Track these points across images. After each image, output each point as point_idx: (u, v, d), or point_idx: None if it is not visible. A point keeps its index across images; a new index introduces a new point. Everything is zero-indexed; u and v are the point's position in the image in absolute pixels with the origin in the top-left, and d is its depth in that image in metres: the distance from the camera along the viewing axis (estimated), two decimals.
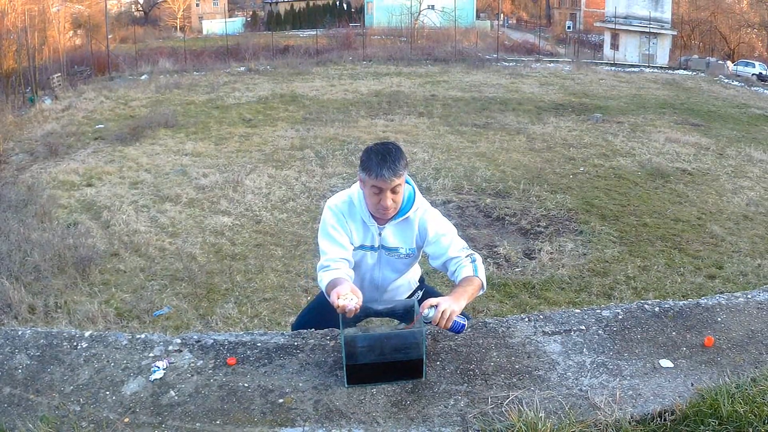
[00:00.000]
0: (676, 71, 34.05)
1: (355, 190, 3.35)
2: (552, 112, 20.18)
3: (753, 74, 33.91)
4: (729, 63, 37.65)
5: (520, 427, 2.48)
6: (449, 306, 2.85)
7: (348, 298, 2.83)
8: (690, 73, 33.36)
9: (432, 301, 2.87)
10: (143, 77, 28.08)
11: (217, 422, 2.59)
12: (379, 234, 3.34)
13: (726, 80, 31.17)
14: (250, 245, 9.31)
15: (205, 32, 57.21)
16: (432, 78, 27.27)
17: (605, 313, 3.41)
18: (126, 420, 2.62)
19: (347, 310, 2.81)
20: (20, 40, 27.83)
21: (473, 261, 3.21)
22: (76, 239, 8.71)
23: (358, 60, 33.41)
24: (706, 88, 27.29)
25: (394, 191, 3.13)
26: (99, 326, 6.56)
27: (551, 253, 8.94)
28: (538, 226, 10.11)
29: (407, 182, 3.37)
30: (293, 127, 17.67)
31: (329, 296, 3.00)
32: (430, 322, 2.84)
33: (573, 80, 27.66)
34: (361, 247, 3.37)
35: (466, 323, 2.96)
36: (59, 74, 27.54)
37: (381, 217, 3.28)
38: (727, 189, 12.48)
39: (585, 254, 8.97)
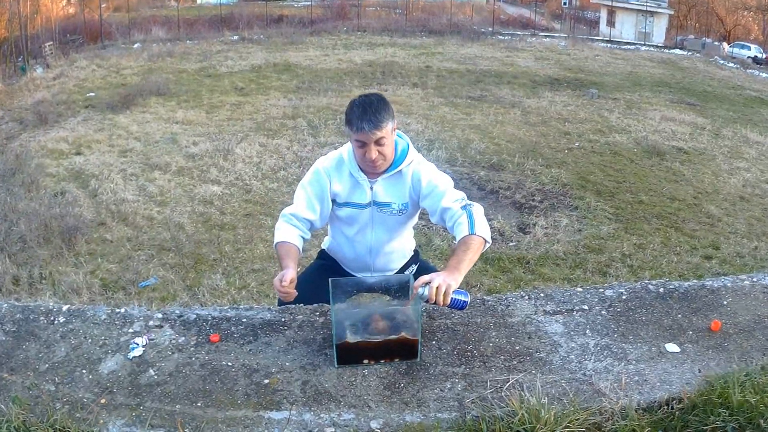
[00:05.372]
0: (672, 50, 33.85)
1: (347, 148, 3.23)
2: (547, 87, 19.99)
3: (748, 57, 33.73)
4: (725, 44, 37.46)
5: (523, 416, 2.32)
6: (443, 281, 2.62)
7: (289, 294, 2.83)
8: (686, 53, 33.14)
9: (424, 278, 2.65)
10: (136, 46, 27.69)
11: (198, 404, 2.43)
12: (371, 188, 3.20)
13: (722, 61, 31.00)
14: (240, 215, 9.14)
15: (199, 1, 56.51)
16: (426, 50, 26.98)
17: (608, 292, 3.25)
18: (102, 401, 2.46)
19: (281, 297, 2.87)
20: (12, 8, 27.45)
21: (469, 215, 2.96)
22: (63, 208, 8.51)
23: (353, 30, 33.06)
24: (701, 69, 27.11)
25: (378, 143, 3.00)
26: (83, 298, 6.40)
27: (546, 228, 8.80)
28: (533, 200, 9.96)
29: (400, 136, 3.25)
30: (286, 96, 17.45)
31: (278, 252, 3.13)
32: (427, 301, 2.63)
33: (569, 56, 27.41)
34: (348, 204, 3.25)
35: (467, 299, 2.72)
36: (51, 43, 27.18)
37: (370, 171, 3.16)
38: (723, 169, 12.35)
39: (580, 230, 8.84)
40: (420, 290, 2.62)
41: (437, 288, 2.60)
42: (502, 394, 2.49)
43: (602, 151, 13.03)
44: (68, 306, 3.05)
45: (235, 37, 30.00)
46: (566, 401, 2.46)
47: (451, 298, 2.64)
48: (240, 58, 24.00)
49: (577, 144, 13.47)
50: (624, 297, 3.21)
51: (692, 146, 13.82)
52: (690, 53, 32.94)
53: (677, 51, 33.81)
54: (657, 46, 35.88)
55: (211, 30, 33.64)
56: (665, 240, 8.66)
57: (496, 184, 10.58)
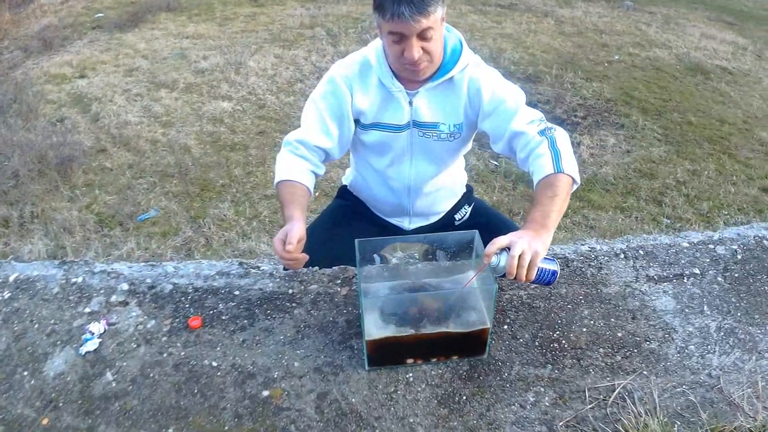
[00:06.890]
0: None
1: (374, 47, 2.30)
2: None
3: None
4: None
5: None
6: (528, 246, 1.71)
7: (296, 261, 1.98)
8: None
9: (501, 240, 1.73)
10: None
11: (170, 430, 1.69)
12: (410, 103, 2.27)
13: None
14: (252, 133, 8.34)
15: None
16: None
17: (720, 250, 2.44)
18: (44, 421, 1.73)
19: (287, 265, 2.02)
20: None
21: (552, 143, 2.03)
22: (61, 137, 7.73)
23: None
24: None
25: (423, 37, 2.04)
26: (77, 237, 5.70)
27: (592, 147, 7.96)
28: (575, 116, 9.08)
29: (449, 30, 2.27)
30: (303, 5, 16.45)
31: (279, 194, 2.24)
32: (503, 275, 1.74)
33: None
34: (378, 125, 2.32)
35: (557, 269, 1.85)
36: None
37: (410, 77, 2.20)
38: None
39: (629, 152, 8.00)
40: (494, 260, 1.73)
41: (520, 257, 1.70)
42: (607, 411, 1.72)
43: (644, 66, 12.08)
44: (16, 274, 2.29)
45: None
46: (694, 420, 1.70)
47: (538, 269, 1.76)
48: None
49: (617, 57, 12.51)
50: (739, 257, 2.40)
51: (736, 67, 12.84)
52: None
53: None
54: None
55: None
56: (720, 167, 7.83)
57: (534, 97, 9.68)
